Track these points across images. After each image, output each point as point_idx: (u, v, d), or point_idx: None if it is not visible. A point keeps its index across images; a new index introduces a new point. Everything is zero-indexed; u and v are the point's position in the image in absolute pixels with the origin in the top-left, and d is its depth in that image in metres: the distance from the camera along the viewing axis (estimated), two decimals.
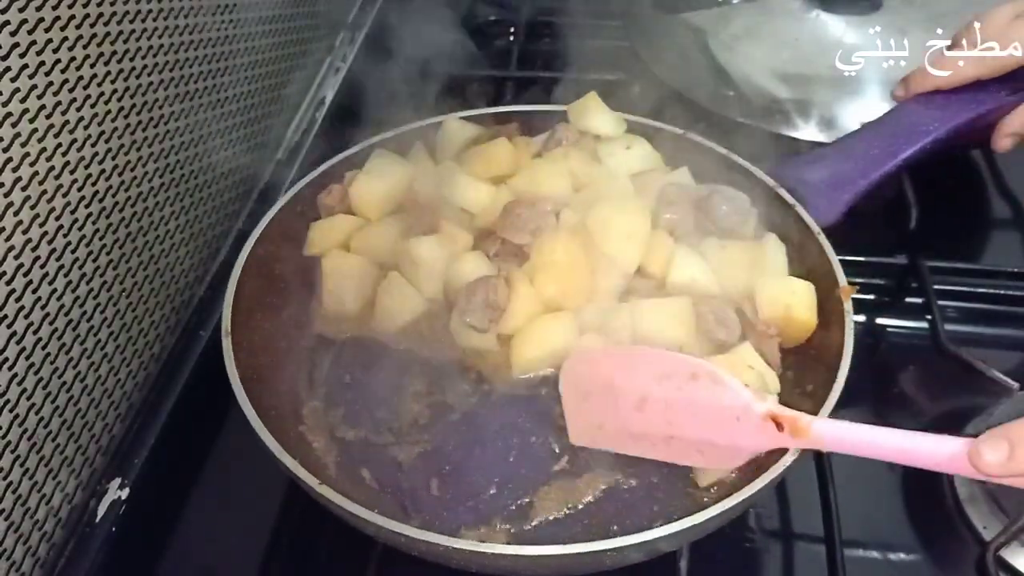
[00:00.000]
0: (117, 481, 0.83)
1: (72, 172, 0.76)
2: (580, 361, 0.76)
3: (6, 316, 0.70)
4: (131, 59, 0.83)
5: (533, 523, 0.74)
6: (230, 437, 0.92)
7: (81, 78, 0.77)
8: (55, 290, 0.76)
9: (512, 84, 1.30)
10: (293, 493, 0.84)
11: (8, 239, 0.70)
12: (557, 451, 0.79)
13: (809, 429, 0.62)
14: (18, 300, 0.71)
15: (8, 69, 0.68)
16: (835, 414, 0.71)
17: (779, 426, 0.63)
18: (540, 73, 1.32)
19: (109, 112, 0.80)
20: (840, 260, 0.83)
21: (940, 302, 0.97)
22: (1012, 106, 0.94)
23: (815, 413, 0.71)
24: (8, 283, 0.70)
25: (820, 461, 0.83)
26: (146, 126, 0.86)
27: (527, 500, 0.75)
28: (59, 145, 0.74)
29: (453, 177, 0.92)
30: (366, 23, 1.39)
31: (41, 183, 0.73)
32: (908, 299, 1.03)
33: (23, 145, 0.70)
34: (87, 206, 0.79)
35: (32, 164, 0.71)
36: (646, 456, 0.73)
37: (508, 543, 0.69)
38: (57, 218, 0.75)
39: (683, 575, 0.76)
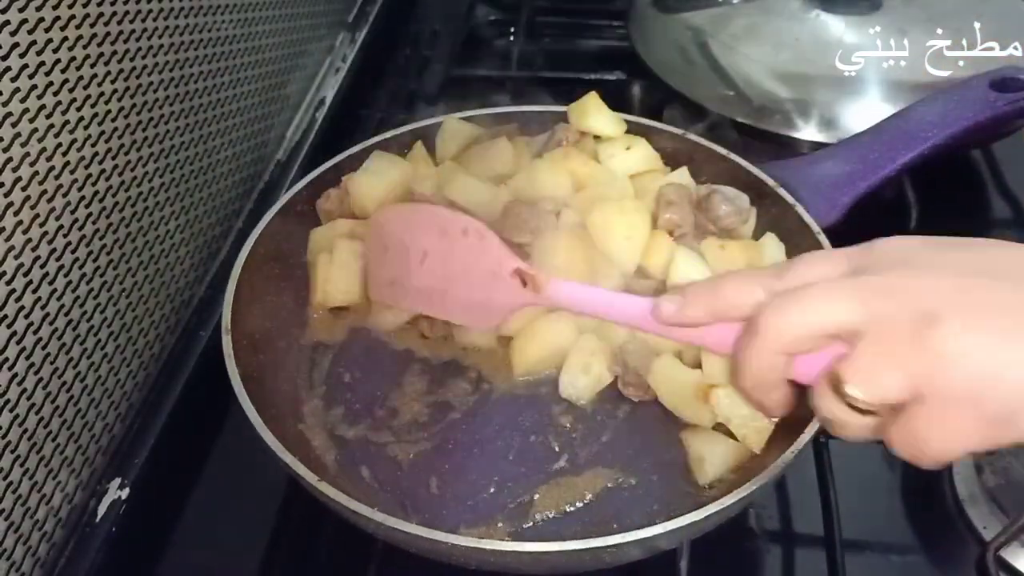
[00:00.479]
0: (117, 481, 0.83)
1: (72, 172, 0.76)
2: (384, 216, 0.79)
3: (6, 316, 0.70)
4: (131, 59, 0.83)
5: (533, 522, 0.74)
6: (230, 437, 0.92)
7: (81, 78, 0.77)
8: (55, 290, 0.76)
9: (512, 84, 1.30)
10: (293, 493, 0.84)
11: (8, 239, 0.70)
12: (557, 450, 0.79)
13: (546, 286, 0.66)
14: (18, 300, 0.71)
15: (8, 69, 0.68)
16: None
17: (525, 283, 0.67)
18: (540, 73, 1.32)
19: (109, 112, 0.81)
20: None
21: None
22: (1009, 114, 0.94)
23: (812, 415, 0.71)
24: (8, 283, 0.70)
25: (820, 461, 0.83)
26: (146, 126, 0.86)
27: (527, 499, 0.75)
28: (59, 145, 0.74)
29: (453, 177, 0.92)
30: (366, 23, 1.39)
31: (41, 183, 0.73)
32: None
33: (23, 145, 0.70)
34: (87, 206, 0.79)
35: (32, 164, 0.71)
36: (427, 312, 0.79)
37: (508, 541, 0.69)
38: (57, 218, 0.75)
39: (683, 574, 0.76)
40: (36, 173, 0.72)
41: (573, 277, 0.83)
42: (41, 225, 0.73)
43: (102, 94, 0.79)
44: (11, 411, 0.71)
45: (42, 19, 0.71)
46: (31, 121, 0.71)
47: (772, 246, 0.89)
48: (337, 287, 0.88)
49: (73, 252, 0.78)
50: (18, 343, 0.72)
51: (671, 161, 0.99)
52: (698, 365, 0.80)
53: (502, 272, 0.67)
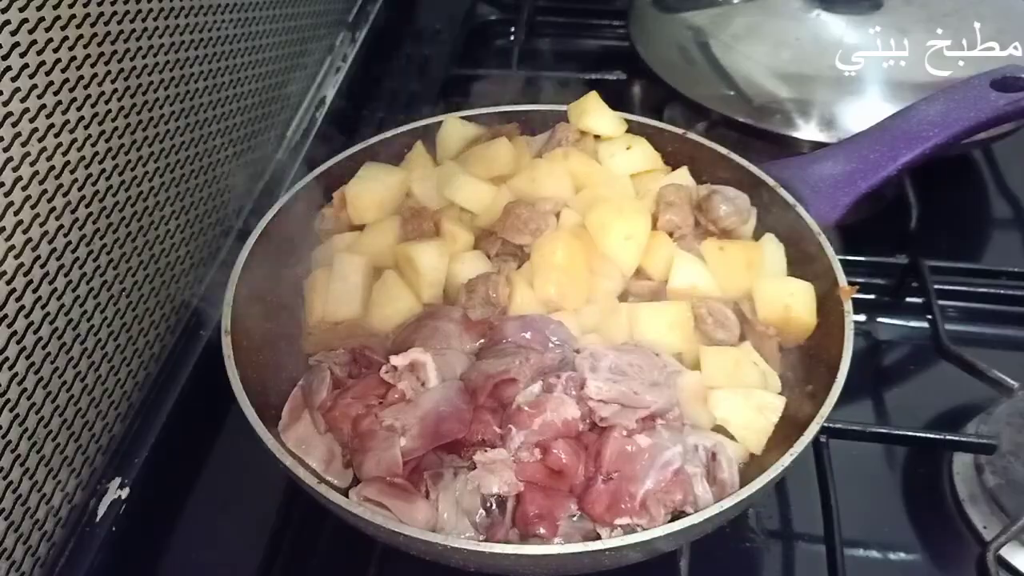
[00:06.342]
0: (117, 481, 0.83)
1: (72, 172, 0.76)
2: None
3: (6, 316, 0.70)
4: (131, 59, 0.83)
5: None
6: (230, 437, 0.92)
7: (81, 78, 0.77)
8: (55, 290, 0.76)
9: (512, 84, 1.29)
10: (293, 493, 0.84)
11: (8, 239, 0.70)
12: None
13: None
14: (18, 300, 0.71)
15: (8, 69, 0.68)
16: (835, 414, 0.71)
17: None
18: (540, 73, 1.32)
19: (109, 112, 0.80)
20: (840, 260, 0.83)
21: (940, 302, 0.97)
22: (1010, 113, 0.94)
23: (815, 413, 0.71)
24: (8, 283, 0.70)
25: (820, 461, 0.83)
26: (146, 126, 0.86)
27: None
28: (59, 145, 0.74)
29: (453, 177, 0.92)
30: (366, 23, 1.39)
31: (41, 183, 0.73)
32: (908, 299, 1.03)
33: (23, 145, 0.70)
34: (87, 206, 0.79)
35: (32, 164, 0.71)
36: None
37: (508, 542, 0.69)
38: (57, 218, 0.75)
39: (683, 575, 0.76)
40: (36, 173, 0.72)
41: (573, 278, 0.84)
42: (41, 225, 0.73)
43: (102, 94, 0.79)
44: (11, 411, 0.71)
45: (42, 19, 0.71)
46: (31, 121, 0.71)
47: (771, 246, 0.89)
48: (337, 302, 0.87)
49: (73, 252, 0.78)
50: (18, 343, 0.72)
51: (671, 161, 0.99)
52: (697, 367, 0.80)
53: None
